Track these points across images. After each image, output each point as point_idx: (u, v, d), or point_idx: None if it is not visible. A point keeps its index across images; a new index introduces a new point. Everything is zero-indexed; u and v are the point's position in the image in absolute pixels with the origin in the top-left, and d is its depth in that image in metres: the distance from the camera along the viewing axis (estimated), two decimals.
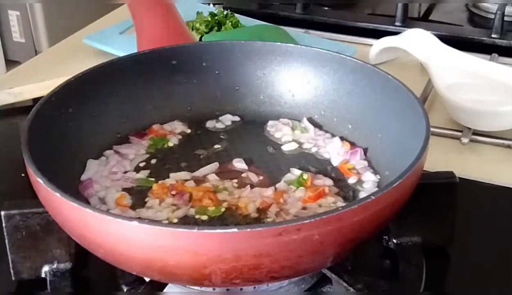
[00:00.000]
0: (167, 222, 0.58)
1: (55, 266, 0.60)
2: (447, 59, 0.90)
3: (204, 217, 0.59)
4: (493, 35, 1.04)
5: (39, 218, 0.58)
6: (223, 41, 0.75)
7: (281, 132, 0.71)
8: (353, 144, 0.68)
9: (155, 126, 0.71)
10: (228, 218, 0.59)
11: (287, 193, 0.62)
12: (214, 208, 0.60)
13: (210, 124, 0.73)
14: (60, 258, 0.60)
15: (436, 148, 0.76)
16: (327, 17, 1.14)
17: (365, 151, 0.67)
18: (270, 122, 0.72)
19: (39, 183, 0.51)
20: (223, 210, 0.60)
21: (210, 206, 0.60)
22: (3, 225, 0.58)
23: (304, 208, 0.60)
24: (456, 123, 0.84)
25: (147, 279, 0.57)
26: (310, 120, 0.71)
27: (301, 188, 0.62)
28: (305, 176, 0.63)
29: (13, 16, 2.19)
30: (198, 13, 1.06)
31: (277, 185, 0.63)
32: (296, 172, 0.65)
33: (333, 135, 0.70)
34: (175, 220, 0.59)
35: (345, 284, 0.56)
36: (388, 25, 1.10)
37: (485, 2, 1.20)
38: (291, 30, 1.04)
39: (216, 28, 1.03)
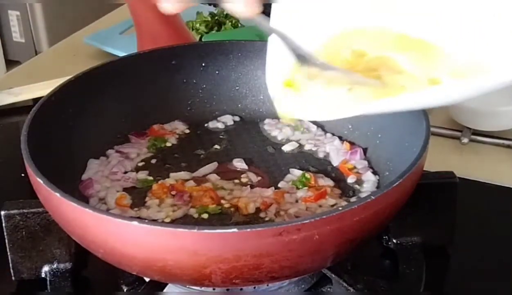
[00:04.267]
0: (167, 221, 0.58)
1: (55, 266, 0.60)
2: None
3: (204, 215, 0.59)
4: None
5: (39, 218, 0.58)
6: (223, 41, 0.75)
7: (281, 132, 0.71)
8: (353, 144, 0.68)
9: (155, 126, 0.71)
10: (228, 217, 0.59)
11: (288, 192, 0.62)
12: (214, 206, 0.60)
13: (210, 124, 0.73)
14: (60, 258, 0.60)
15: (436, 147, 0.76)
16: None
17: (365, 151, 0.67)
18: (267, 120, 0.72)
19: (39, 183, 0.51)
20: (224, 206, 0.60)
21: (210, 204, 0.60)
22: (3, 225, 0.58)
23: (304, 208, 0.60)
24: (456, 123, 0.84)
25: (147, 279, 0.57)
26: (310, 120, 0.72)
27: (304, 188, 0.62)
28: (308, 176, 0.63)
29: (13, 16, 2.19)
30: (198, 13, 1.06)
31: (279, 184, 0.63)
32: (296, 172, 0.65)
33: (333, 135, 0.70)
34: (169, 219, 0.59)
35: (345, 284, 0.56)
36: None
37: None
38: None
39: (216, 28, 1.04)
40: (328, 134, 0.70)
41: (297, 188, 0.62)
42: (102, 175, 0.64)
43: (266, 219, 0.59)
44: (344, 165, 0.66)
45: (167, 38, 0.78)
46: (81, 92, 0.66)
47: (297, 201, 0.61)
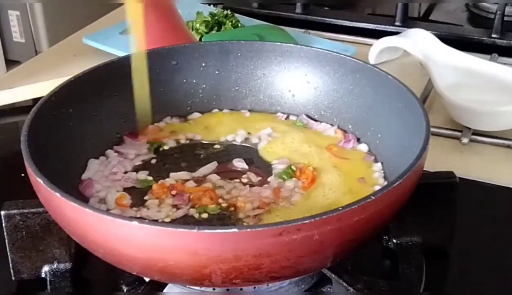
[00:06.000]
0: (167, 221, 0.58)
1: (55, 266, 0.60)
2: (447, 59, 0.90)
3: (204, 215, 0.59)
4: (493, 35, 1.04)
5: (39, 218, 0.58)
6: (223, 41, 0.75)
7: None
8: None
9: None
10: (228, 217, 0.59)
11: (282, 187, 0.62)
12: (214, 206, 0.60)
13: None
14: (60, 258, 0.60)
15: (436, 147, 0.76)
16: (327, 17, 1.14)
17: None
18: None
19: (39, 183, 0.51)
20: (223, 206, 0.60)
21: (210, 204, 0.60)
22: (3, 225, 0.58)
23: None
24: (456, 123, 0.84)
25: (147, 279, 0.57)
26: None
27: (292, 179, 0.63)
28: (293, 167, 0.64)
29: (13, 16, 2.19)
30: (198, 13, 1.06)
31: (268, 179, 0.63)
32: (279, 166, 0.65)
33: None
34: (169, 219, 0.59)
35: (345, 284, 0.56)
36: (388, 25, 1.10)
37: (485, 2, 1.20)
38: (291, 30, 1.04)
39: (216, 28, 1.03)
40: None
41: (283, 179, 0.63)
42: (102, 175, 0.64)
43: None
44: None
45: (167, 38, 0.78)
46: (81, 92, 0.66)
47: (293, 190, 0.61)
